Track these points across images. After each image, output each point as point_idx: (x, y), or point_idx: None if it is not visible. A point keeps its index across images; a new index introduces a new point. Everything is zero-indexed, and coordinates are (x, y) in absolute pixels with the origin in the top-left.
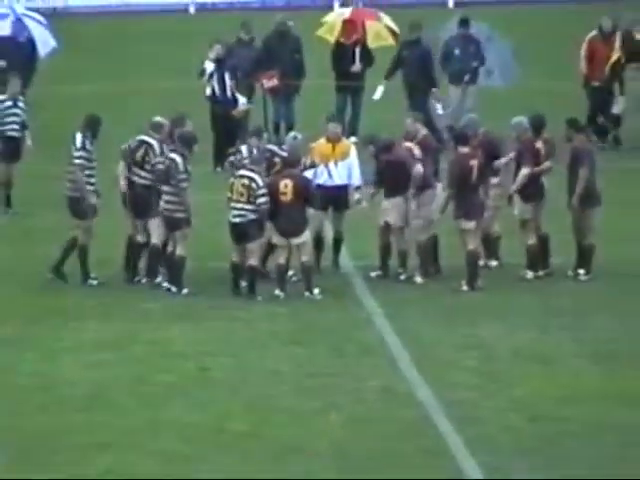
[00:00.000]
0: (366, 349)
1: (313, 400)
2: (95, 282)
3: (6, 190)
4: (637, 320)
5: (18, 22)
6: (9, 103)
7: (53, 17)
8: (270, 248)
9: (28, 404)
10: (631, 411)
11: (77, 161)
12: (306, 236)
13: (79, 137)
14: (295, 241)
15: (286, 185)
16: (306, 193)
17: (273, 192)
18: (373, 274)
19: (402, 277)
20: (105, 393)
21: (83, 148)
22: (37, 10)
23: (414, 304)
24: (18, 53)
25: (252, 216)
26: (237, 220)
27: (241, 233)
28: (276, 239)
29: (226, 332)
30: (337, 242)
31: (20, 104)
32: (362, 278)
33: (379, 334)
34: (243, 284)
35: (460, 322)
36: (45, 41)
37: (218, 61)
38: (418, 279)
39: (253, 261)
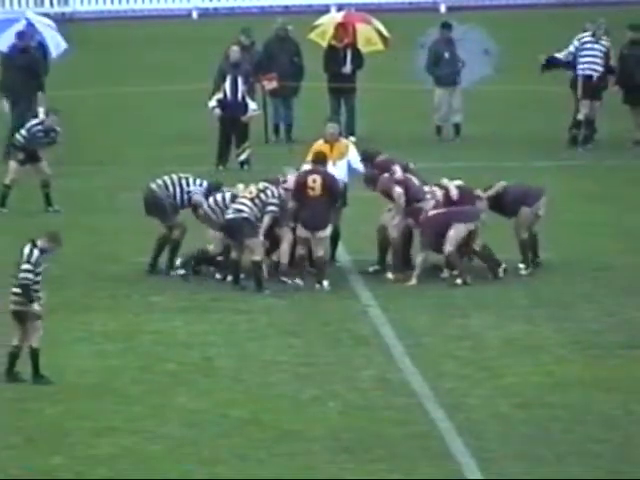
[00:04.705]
0: (361, 339)
1: (311, 388)
2: (176, 273)
3: (45, 189)
4: (619, 311)
5: (30, 27)
6: None
7: (62, 22)
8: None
9: (41, 391)
10: (612, 396)
11: (185, 174)
12: (328, 231)
13: None
14: (318, 234)
15: (314, 180)
16: (333, 189)
17: (301, 186)
18: (371, 269)
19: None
20: (112, 381)
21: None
22: (47, 15)
23: (408, 296)
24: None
25: (246, 215)
26: (231, 216)
27: (231, 228)
28: (299, 231)
29: (228, 324)
30: (334, 237)
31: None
32: (358, 272)
33: (374, 325)
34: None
35: (452, 314)
36: (57, 43)
37: (234, 65)
38: (390, 275)
39: (257, 257)
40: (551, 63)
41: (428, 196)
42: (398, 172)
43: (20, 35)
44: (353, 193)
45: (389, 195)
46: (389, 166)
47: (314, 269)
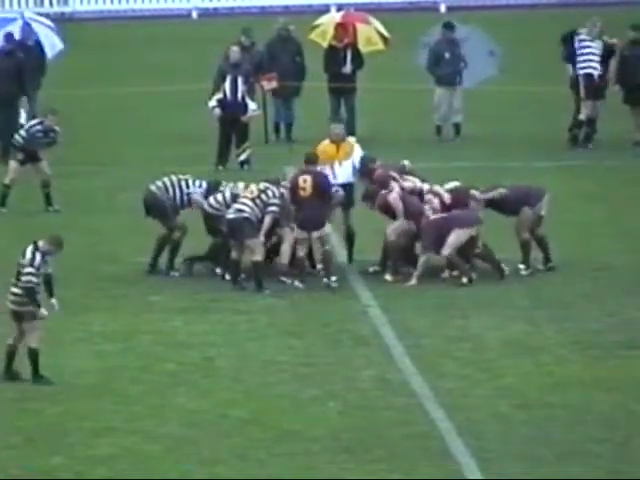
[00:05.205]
0: (361, 340)
1: (311, 388)
2: (177, 274)
3: (45, 189)
4: (619, 311)
5: (26, 26)
6: None
7: (61, 22)
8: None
9: (41, 391)
10: (612, 397)
11: (184, 175)
12: (326, 229)
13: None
14: (315, 234)
15: (305, 180)
16: (323, 188)
17: (294, 188)
18: (371, 269)
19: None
20: (112, 381)
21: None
22: (47, 15)
23: (408, 297)
24: (28, 57)
25: (247, 214)
26: (232, 216)
27: (233, 228)
28: (297, 233)
29: (228, 324)
30: (350, 237)
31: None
32: (358, 272)
33: (374, 325)
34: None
35: (451, 314)
36: (52, 43)
37: (234, 65)
38: (388, 277)
39: (257, 257)
40: (568, 40)
41: (426, 207)
42: (395, 188)
43: (7, 38)
44: (357, 194)
45: (387, 209)
46: (388, 182)
47: (314, 270)
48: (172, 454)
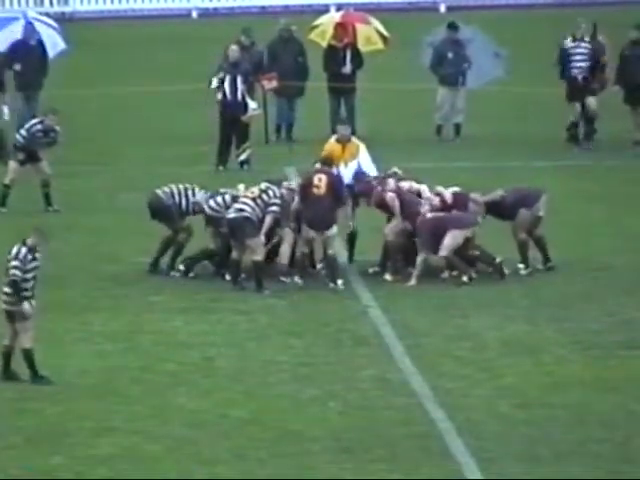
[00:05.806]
0: (361, 340)
1: (311, 388)
2: (178, 274)
3: (44, 189)
4: (619, 311)
5: (29, 26)
6: None
7: (62, 22)
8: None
9: (41, 391)
10: (612, 397)
11: (190, 184)
12: (334, 230)
13: None
14: (325, 234)
15: (320, 179)
16: (338, 189)
17: (307, 185)
18: (371, 270)
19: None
20: (113, 381)
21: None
22: (47, 15)
23: (408, 297)
24: (30, 56)
25: (247, 214)
26: (232, 215)
27: (234, 228)
28: (304, 232)
29: (228, 324)
30: (352, 237)
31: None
32: (358, 273)
33: (374, 325)
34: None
35: (452, 314)
36: (54, 43)
37: (233, 64)
38: (387, 277)
39: (258, 257)
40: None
41: (425, 204)
42: (391, 184)
43: None
44: None
45: (384, 206)
46: (385, 179)
47: (314, 270)
48: (172, 454)
